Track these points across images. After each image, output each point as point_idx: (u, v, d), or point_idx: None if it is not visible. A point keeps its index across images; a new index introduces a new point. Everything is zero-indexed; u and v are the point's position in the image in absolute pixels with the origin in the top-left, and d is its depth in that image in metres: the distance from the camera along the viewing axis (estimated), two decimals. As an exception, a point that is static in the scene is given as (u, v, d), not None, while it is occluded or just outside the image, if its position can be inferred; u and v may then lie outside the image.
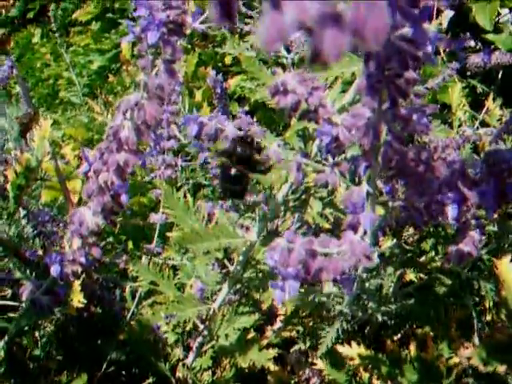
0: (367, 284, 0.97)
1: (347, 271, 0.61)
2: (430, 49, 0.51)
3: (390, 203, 0.71)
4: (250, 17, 1.91)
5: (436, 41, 0.51)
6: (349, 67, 0.84)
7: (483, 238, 1.01)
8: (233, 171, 0.86)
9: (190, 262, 1.54)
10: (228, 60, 3.18)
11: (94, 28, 4.21)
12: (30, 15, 5.17)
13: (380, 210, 0.76)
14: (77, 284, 1.28)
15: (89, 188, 0.79)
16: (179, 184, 2.14)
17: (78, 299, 1.27)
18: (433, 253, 1.62)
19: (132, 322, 1.25)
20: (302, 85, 0.77)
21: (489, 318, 1.50)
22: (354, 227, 0.62)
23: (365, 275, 0.95)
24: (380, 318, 1.02)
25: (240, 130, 0.80)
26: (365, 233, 0.64)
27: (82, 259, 0.87)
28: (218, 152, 0.86)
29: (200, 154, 0.85)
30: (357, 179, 0.82)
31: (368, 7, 0.31)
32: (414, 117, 0.61)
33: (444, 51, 2.39)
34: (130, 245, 2.15)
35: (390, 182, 0.75)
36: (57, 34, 3.48)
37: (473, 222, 1.02)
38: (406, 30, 0.50)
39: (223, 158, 0.86)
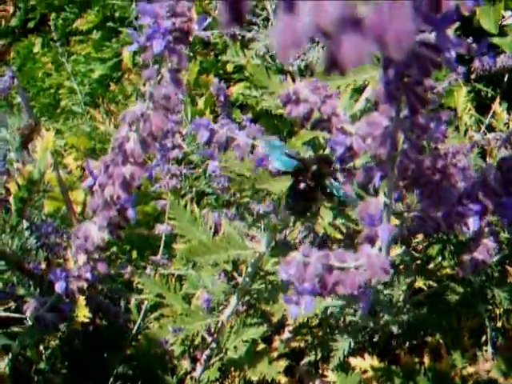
0: (381, 295, 0.94)
1: (363, 285, 0.58)
2: (452, 54, 0.48)
3: (406, 214, 0.68)
4: (253, 23, 1.89)
5: (458, 46, 0.49)
6: (361, 74, 0.82)
7: (496, 245, 0.99)
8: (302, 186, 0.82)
9: (195, 272, 1.51)
10: (230, 67, 3.16)
11: (94, 37, 4.20)
12: (31, 25, 5.16)
13: (394, 220, 0.73)
14: (82, 299, 1.26)
15: (94, 202, 0.77)
16: (183, 192, 2.12)
17: (83, 314, 1.25)
18: (439, 258, 1.60)
19: (139, 337, 1.22)
20: (315, 93, 0.75)
21: (499, 324, 1.47)
22: (371, 240, 0.59)
23: (379, 286, 0.92)
24: (395, 330, 0.99)
25: (253, 138, 0.78)
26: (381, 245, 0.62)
27: (88, 275, 0.84)
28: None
29: (211, 162, 0.82)
30: (371, 189, 0.79)
31: (391, 10, 0.28)
32: (432, 125, 0.58)
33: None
34: (135, 254, 2.13)
35: (405, 191, 0.73)
36: (58, 44, 3.47)
37: (486, 229, 1.00)
38: (427, 35, 0.48)
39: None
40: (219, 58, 3.05)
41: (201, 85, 3.22)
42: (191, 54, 3.19)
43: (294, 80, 1.52)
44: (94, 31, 4.27)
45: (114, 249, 2.10)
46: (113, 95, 3.46)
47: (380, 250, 0.58)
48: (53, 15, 4.09)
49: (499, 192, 0.66)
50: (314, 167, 0.80)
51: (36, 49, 5.01)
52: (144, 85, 0.69)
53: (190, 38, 0.75)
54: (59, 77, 4.22)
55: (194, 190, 2.15)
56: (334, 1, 0.25)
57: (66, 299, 0.90)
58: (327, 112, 0.75)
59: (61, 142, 3.16)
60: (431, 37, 0.48)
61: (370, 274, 0.57)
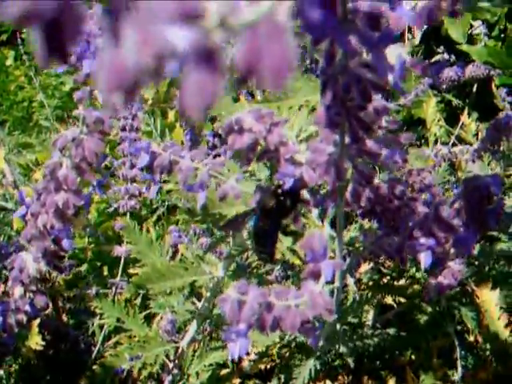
0: (338, 326, 0.90)
1: (308, 321, 0.54)
2: (391, 77, 0.44)
3: (358, 244, 0.64)
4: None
5: (402, 66, 0.45)
6: (314, 94, 0.77)
7: (462, 267, 0.95)
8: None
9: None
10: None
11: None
12: (3, 38, 5.09)
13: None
14: (35, 325, 1.20)
15: (27, 232, 0.71)
16: (154, 206, 2.06)
17: (35, 341, 1.19)
18: (409, 274, 1.56)
19: (94, 367, 1.17)
20: (260, 122, 0.70)
21: (471, 338, 1.43)
22: (315, 275, 0.55)
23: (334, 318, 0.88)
24: (351, 362, 0.95)
25: (193, 160, 0.73)
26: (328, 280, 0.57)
27: (27, 307, 0.79)
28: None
29: (152, 187, 0.76)
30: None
31: (266, 38, 0.22)
32: (384, 151, 0.54)
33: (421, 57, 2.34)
34: (105, 271, 2.07)
35: (362, 219, 0.69)
36: (27, 57, 3.41)
37: (451, 250, 0.96)
38: (369, 57, 0.44)
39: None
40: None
41: (172, 97, 3.17)
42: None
43: (253, 96, 1.48)
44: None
45: (84, 266, 2.05)
46: (82, 109, 3.40)
47: (323, 287, 0.54)
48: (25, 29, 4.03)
49: (453, 227, 0.62)
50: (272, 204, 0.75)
51: (9, 62, 4.94)
52: (76, 108, 0.64)
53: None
54: (32, 90, 4.16)
55: (165, 203, 2.10)
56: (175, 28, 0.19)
57: (4, 333, 0.84)
58: (274, 142, 0.70)
59: (32, 156, 3.10)
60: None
61: (312, 313, 0.52)
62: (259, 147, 0.73)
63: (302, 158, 0.71)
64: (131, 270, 1.36)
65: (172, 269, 1.00)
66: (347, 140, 0.50)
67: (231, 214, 0.85)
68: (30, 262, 0.74)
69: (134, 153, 0.72)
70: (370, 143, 0.53)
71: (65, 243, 0.72)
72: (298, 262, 0.93)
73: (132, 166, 1.38)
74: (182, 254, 1.13)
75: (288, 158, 0.71)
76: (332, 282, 0.60)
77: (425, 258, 0.62)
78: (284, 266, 1.17)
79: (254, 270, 1.08)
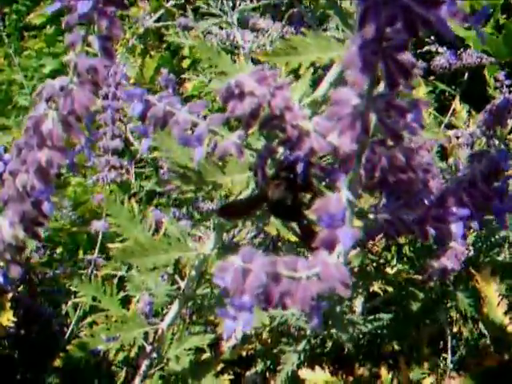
0: (336, 307, 0.84)
1: (316, 298, 0.48)
2: (444, 12, 0.38)
3: (372, 215, 0.58)
4: (208, 14, 1.77)
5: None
6: (326, 52, 0.71)
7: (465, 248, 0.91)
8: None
9: (138, 273, 1.39)
10: (186, 64, 3.04)
11: (48, 31, 4.04)
12: (-17, 20, 4.94)
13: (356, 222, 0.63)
14: (7, 300, 1.14)
15: (4, 193, 0.64)
16: (133, 191, 2.00)
17: (7, 318, 1.12)
18: (394, 261, 1.52)
19: (68, 347, 1.10)
20: (263, 84, 0.64)
21: (456, 329, 1.40)
22: (329, 245, 0.49)
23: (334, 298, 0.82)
24: (350, 347, 0.89)
25: (190, 113, 0.66)
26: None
27: (0, 279, 0.72)
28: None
29: (143, 140, 0.69)
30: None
31: None
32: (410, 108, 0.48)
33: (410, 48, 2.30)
34: (81, 254, 2.00)
35: (370, 190, 0.63)
36: (7, 39, 3.32)
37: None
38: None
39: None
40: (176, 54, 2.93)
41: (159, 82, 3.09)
42: (142, 47, 3.06)
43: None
44: (48, 26, 4.11)
45: (60, 249, 1.98)
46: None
47: (339, 258, 0.48)
48: (6, 10, 3.92)
49: (490, 195, 0.57)
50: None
51: (-14, 44, 4.80)
52: (66, 52, 0.57)
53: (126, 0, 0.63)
54: (11, 73, 4.04)
55: (144, 189, 2.03)
56: None
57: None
58: (279, 106, 0.64)
59: (8, 138, 3.02)
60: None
61: (325, 287, 0.46)
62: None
63: (309, 124, 0.65)
64: (110, 245, 1.29)
65: (156, 243, 0.94)
66: (379, 89, 0.44)
67: (227, 184, 0.79)
68: (5, 226, 0.67)
69: (125, 99, 0.65)
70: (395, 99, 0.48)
71: (46, 207, 0.65)
72: (293, 238, 0.87)
73: (114, 136, 1.30)
74: (166, 229, 1.06)
75: (295, 125, 0.65)
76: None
77: (457, 229, 0.56)
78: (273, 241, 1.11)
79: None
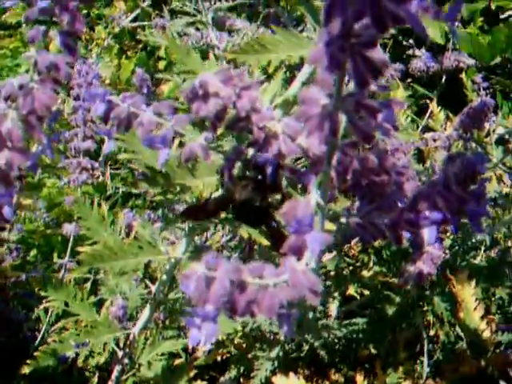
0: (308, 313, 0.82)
1: (285, 306, 0.46)
2: (415, 7, 0.37)
3: (344, 219, 0.57)
4: (184, 13, 1.75)
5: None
6: (297, 50, 0.68)
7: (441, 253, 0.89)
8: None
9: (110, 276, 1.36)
10: (162, 65, 3.02)
11: (23, 30, 4.00)
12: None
13: (329, 226, 0.62)
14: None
15: (-39, 196, 0.61)
16: (108, 193, 1.97)
17: (-26, 324, 1.09)
18: (371, 264, 1.51)
19: (36, 353, 1.06)
20: (228, 85, 0.62)
21: (432, 332, 1.39)
22: (297, 251, 0.47)
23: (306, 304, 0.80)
24: (324, 354, 0.88)
25: (159, 115, 0.63)
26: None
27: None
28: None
29: (106, 142, 0.67)
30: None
31: None
32: (381, 108, 0.46)
33: (388, 51, 2.30)
34: (55, 257, 1.96)
35: (342, 193, 0.61)
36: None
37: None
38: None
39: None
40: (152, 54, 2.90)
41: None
42: (118, 46, 3.02)
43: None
44: (24, 25, 4.06)
45: (34, 252, 1.94)
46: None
47: (308, 264, 0.46)
48: (-19, 8, 3.86)
49: (464, 198, 0.55)
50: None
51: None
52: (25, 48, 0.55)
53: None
54: (-15, 73, 3.98)
55: (120, 191, 2.00)
56: None
57: None
58: (245, 108, 0.62)
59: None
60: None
61: (294, 294, 0.44)
62: (229, 114, 0.65)
63: (277, 126, 0.63)
64: (80, 248, 1.26)
65: (125, 247, 0.91)
66: (345, 89, 0.42)
67: (196, 187, 0.77)
68: (-38, 230, 0.64)
69: (87, 99, 0.62)
70: (366, 99, 0.46)
71: (6, 211, 0.62)
72: (266, 242, 0.85)
73: (85, 138, 1.27)
74: (137, 232, 1.03)
75: (262, 127, 0.63)
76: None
77: (430, 234, 0.55)
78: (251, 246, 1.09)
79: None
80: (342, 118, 0.43)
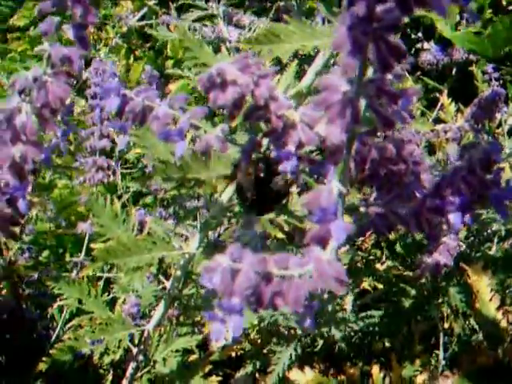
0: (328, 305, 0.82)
1: (308, 297, 0.45)
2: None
3: (363, 209, 0.56)
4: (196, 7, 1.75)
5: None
6: (311, 40, 0.68)
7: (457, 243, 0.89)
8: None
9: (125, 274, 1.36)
10: (169, 64, 3.01)
11: (32, 33, 4.00)
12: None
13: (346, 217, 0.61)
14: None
15: (-24, 191, 0.61)
16: (119, 193, 1.97)
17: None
18: (384, 258, 1.51)
19: (52, 351, 1.06)
20: (245, 73, 0.61)
21: (446, 325, 1.38)
22: (321, 241, 0.46)
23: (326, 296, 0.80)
24: (344, 346, 0.87)
25: (174, 109, 0.63)
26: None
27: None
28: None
29: (121, 137, 0.66)
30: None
31: None
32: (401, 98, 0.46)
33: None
34: (68, 257, 1.97)
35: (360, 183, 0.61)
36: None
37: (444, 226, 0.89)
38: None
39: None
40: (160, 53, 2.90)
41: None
42: (126, 45, 3.01)
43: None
44: (32, 27, 4.06)
45: (46, 253, 1.95)
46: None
47: (332, 254, 0.45)
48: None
49: (488, 183, 0.54)
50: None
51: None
52: (39, 43, 0.54)
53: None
54: (-4, 76, 4.00)
55: (130, 190, 2.00)
56: None
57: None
58: (263, 96, 0.61)
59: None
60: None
61: (319, 285, 0.44)
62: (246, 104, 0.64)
63: (295, 115, 0.62)
64: (93, 245, 1.25)
65: (139, 243, 0.91)
66: (368, 74, 0.42)
67: (210, 180, 0.76)
68: (-22, 226, 0.64)
69: (101, 95, 0.62)
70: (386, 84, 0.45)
71: (21, 205, 0.62)
72: (279, 235, 0.84)
73: (101, 136, 1.27)
74: (150, 228, 1.03)
75: (280, 116, 0.62)
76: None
77: (455, 219, 0.54)
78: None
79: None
80: (363, 105, 0.43)
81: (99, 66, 1.30)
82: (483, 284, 0.98)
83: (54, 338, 1.35)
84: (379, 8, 0.37)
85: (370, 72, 0.47)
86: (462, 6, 0.44)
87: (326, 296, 0.78)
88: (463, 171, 0.55)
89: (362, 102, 0.43)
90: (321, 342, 1.11)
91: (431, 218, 0.55)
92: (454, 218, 0.54)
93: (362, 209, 0.57)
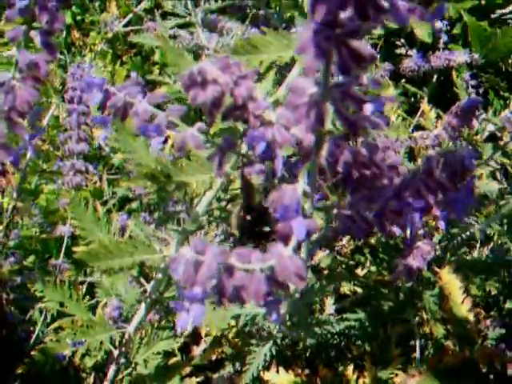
0: (300, 303, 0.84)
1: (272, 293, 0.48)
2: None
3: (335, 210, 0.58)
4: (174, 15, 1.76)
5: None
6: (287, 50, 0.70)
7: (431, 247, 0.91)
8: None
9: (108, 277, 1.37)
10: (156, 70, 3.03)
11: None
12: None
13: (317, 218, 0.63)
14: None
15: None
16: (105, 198, 1.98)
17: (-30, 325, 1.10)
18: (368, 263, 1.52)
19: (32, 352, 1.07)
20: (226, 72, 0.63)
21: (427, 329, 1.40)
22: (284, 237, 0.48)
23: (297, 294, 0.82)
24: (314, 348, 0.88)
25: (155, 106, 0.65)
26: (299, 245, 0.51)
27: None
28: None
29: (102, 131, 0.68)
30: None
31: None
32: (369, 106, 0.48)
33: (379, 51, 2.32)
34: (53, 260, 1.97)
35: (336, 188, 0.63)
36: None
37: (420, 230, 0.92)
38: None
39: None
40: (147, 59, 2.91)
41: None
42: (111, 51, 3.02)
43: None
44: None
45: (32, 257, 1.95)
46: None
47: (295, 250, 0.47)
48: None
49: (447, 185, 0.57)
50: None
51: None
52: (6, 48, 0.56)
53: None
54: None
55: (116, 195, 2.01)
56: None
57: None
58: (242, 96, 0.63)
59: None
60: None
61: (280, 279, 0.46)
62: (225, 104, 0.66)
63: (272, 115, 0.64)
64: (75, 248, 1.27)
65: (121, 246, 0.92)
66: (331, 79, 0.44)
67: (191, 184, 0.78)
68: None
69: (84, 89, 0.63)
70: (353, 89, 0.47)
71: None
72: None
73: (79, 140, 1.28)
74: (132, 232, 1.05)
75: (257, 116, 0.64)
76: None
77: (411, 222, 0.56)
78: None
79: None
80: (330, 108, 0.45)
81: (76, 71, 1.31)
82: (455, 286, 1.00)
83: (33, 339, 1.35)
84: (343, 15, 0.39)
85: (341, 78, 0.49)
86: (428, 21, 0.46)
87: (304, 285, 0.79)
88: (422, 175, 0.57)
89: (330, 106, 0.46)
90: (301, 344, 1.13)
91: (393, 219, 0.57)
92: (410, 220, 0.57)
93: (334, 211, 0.59)
